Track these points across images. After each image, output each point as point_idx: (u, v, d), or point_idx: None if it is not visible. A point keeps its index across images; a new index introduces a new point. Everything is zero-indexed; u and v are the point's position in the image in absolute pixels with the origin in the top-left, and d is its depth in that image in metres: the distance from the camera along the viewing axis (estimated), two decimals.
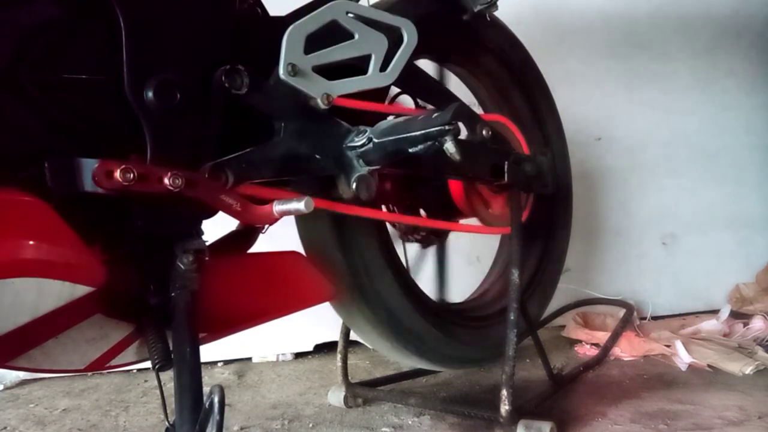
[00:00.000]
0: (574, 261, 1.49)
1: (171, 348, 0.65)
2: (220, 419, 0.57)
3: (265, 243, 0.87)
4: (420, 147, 0.77)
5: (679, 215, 1.97)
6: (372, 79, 0.82)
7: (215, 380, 1.49)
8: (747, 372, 1.30)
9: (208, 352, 1.03)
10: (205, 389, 0.62)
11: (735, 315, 1.76)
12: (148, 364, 0.67)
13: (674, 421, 1.06)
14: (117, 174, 0.58)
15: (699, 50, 2.01)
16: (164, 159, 0.63)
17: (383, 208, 1.08)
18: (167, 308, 0.65)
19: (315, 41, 0.75)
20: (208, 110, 0.68)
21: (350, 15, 0.79)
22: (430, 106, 1.03)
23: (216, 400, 0.58)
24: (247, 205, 0.69)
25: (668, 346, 1.47)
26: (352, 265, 0.93)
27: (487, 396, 1.24)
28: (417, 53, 0.87)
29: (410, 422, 1.12)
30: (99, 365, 0.69)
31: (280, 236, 0.87)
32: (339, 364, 1.22)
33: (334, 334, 1.33)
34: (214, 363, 1.62)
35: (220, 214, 0.70)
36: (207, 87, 0.68)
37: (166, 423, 0.65)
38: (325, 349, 1.69)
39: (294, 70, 0.73)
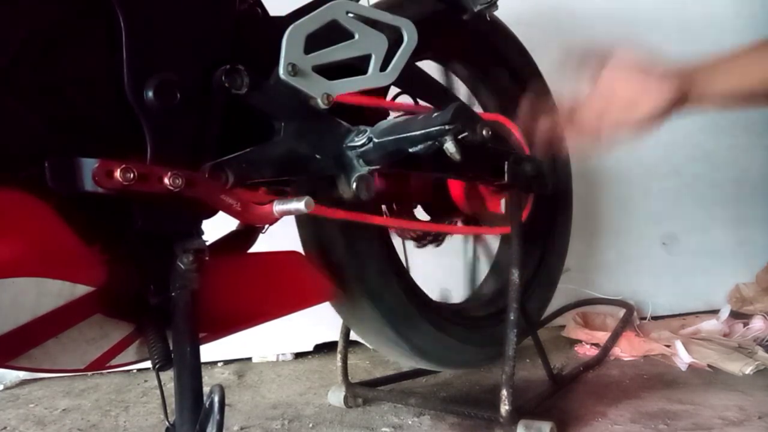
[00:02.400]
0: (574, 261, 1.49)
1: (171, 348, 0.65)
2: (220, 419, 0.57)
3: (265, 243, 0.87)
4: (420, 147, 0.77)
5: (679, 215, 1.97)
6: (372, 78, 0.82)
7: (215, 380, 1.49)
8: (747, 372, 1.30)
9: (208, 352, 1.03)
10: (205, 389, 0.62)
11: (735, 315, 1.76)
12: (148, 364, 0.67)
13: (674, 421, 1.06)
14: (117, 174, 0.58)
15: (699, 50, 2.00)
16: (164, 159, 0.63)
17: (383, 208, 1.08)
18: (167, 308, 0.65)
19: (315, 41, 0.74)
20: (208, 110, 0.68)
21: (350, 15, 0.79)
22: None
23: (216, 399, 0.58)
24: (247, 205, 0.69)
25: (668, 346, 1.47)
26: (351, 264, 0.93)
27: (487, 396, 1.24)
28: (417, 53, 0.87)
29: (410, 422, 1.12)
30: (99, 365, 0.69)
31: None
32: (339, 364, 1.22)
33: (334, 334, 1.32)
34: (214, 363, 1.62)
35: (220, 214, 0.70)
36: (207, 87, 0.67)
37: (166, 423, 0.65)
38: (325, 349, 1.69)
39: (294, 70, 0.72)
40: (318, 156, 0.77)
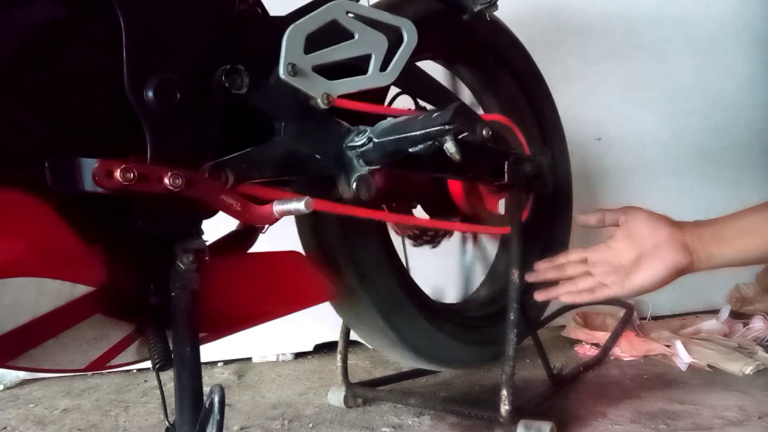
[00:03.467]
0: None
1: (171, 348, 0.65)
2: (220, 419, 0.57)
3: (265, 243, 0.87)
4: (420, 147, 0.77)
5: (679, 215, 1.96)
6: (372, 78, 0.82)
7: (215, 380, 1.49)
8: (747, 372, 1.30)
9: (208, 352, 1.03)
10: (205, 389, 0.62)
11: (735, 315, 1.76)
12: (148, 364, 0.67)
13: (674, 421, 1.06)
14: (117, 174, 0.58)
15: (699, 50, 2.00)
16: (164, 159, 0.63)
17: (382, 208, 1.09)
18: (167, 308, 0.65)
19: (315, 41, 0.75)
20: (208, 110, 0.68)
21: (350, 15, 0.79)
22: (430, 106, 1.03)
23: (216, 399, 0.58)
24: (247, 205, 0.69)
25: (668, 346, 1.47)
26: (351, 264, 0.93)
27: (487, 396, 1.24)
28: (417, 53, 0.87)
29: (410, 422, 1.12)
30: (99, 365, 0.69)
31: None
32: (339, 364, 1.22)
33: (334, 334, 1.33)
34: (214, 363, 1.62)
35: (220, 214, 0.70)
36: (207, 87, 0.67)
37: (166, 423, 0.65)
38: (325, 349, 1.69)
39: (294, 70, 0.73)
40: (318, 156, 0.77)
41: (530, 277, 0.98)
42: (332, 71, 0.77)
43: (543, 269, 0.96)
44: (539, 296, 0.96)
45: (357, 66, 0.80)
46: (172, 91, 0.63)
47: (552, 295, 0.94)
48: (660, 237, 0.83)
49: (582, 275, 0.91)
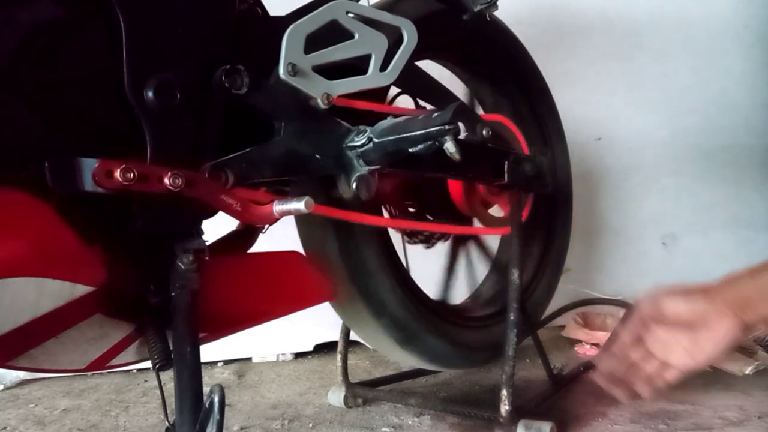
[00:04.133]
0: (574, 261, 1.49)
1: (171, 348, 0.65)
2: (220, 419, 0.57)
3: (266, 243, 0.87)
4: (420, 147, 0.77)
5: (679, 215, 1.97)
6: (372, 78, 0.82)
7: (215, 380, 1.49)
8: (747, 372, 1.30)
9: (208, 352, 1.03)
10: (205, 389, 0.62)
11: None
12: (148, 364, 0.67)
13: (674, 421, 1.06)
14: (117, 174, 0.58)
15: (699, 50, 2.00)
16: (164, 159, 0.63)
17: (383, 209, 1.09)
18: (167, 308, 0.65)
19: (315, 41, 0.75)
20: (208, 110, 0.68)
21: (350, 15, 0.79)
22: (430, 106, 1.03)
23: (216, 399, 0.58)
24: (247, 205, 0.70)
25: None
26: (351, 264, 0.93)
27: (487, 396, 1.24)
28: (417, 53, 0.87)
29: (410, 422, 1.12)
30: (99, 365, 0.69)
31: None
32: (339, 364, 1.22)
33: (334, 334, 1.33)
34: (214, 363, 1.62)
35: (220, 214, 0.70)
36: (207, 87, 0.68)
37: (166, 423, 0.65)
38: (325, 349, 1.69)
39: (294, 70, 0.73)
40: (318, 156, 0.77)
41: (600, 380, 0.84)
42: (332, 71, 0.77)
43: (607, 367, 0.84)
44: (624, 399, 0.83)
45: (357, 66, 0.80)
46: (172, 91, 0.63)
47: (633, 396, 0.86)
48: (706, 313, 0.76)
49: (644, 358, 0.82)
